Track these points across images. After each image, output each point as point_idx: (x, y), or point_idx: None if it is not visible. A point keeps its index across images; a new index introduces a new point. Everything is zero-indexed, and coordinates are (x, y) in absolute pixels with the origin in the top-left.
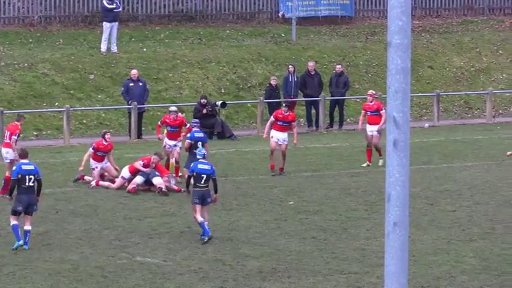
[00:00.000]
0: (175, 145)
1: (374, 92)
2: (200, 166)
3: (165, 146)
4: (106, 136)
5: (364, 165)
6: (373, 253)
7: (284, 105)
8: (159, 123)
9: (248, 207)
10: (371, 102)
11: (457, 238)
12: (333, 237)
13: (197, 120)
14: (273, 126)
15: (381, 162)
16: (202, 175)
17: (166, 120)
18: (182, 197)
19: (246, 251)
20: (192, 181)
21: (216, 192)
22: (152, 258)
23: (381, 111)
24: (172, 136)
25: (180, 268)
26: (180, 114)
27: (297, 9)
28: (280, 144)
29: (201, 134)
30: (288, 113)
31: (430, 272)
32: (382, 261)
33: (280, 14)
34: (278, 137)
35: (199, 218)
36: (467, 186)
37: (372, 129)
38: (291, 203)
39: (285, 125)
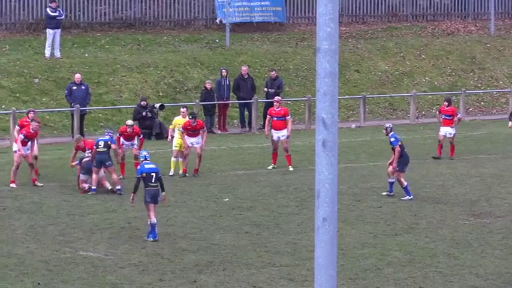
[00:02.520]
0: (132, 144)
1: (280, 98)
2: (147, 166)
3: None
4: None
5: (270, 167)
6: (303, 247)
7: (191, 117)
8: (118, 135)
9: (185, 204)
10: (277, 108)
11: (383, 232)
12: (265, 232)
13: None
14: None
15: (291, 168)
16: (152, 174)
17: (124, 132)
18: (123, 195)
19: (183, 246)
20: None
21: (163, 190)
22: (94, 253)
23: (287, 117)
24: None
25: (120, 262)
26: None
27: (233, 15)
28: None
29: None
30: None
31: (358, 265)
32: (312, 255)
33: (217, 21)
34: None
35: (153, 220)
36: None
37: (278, 135)
38: (226, 199)
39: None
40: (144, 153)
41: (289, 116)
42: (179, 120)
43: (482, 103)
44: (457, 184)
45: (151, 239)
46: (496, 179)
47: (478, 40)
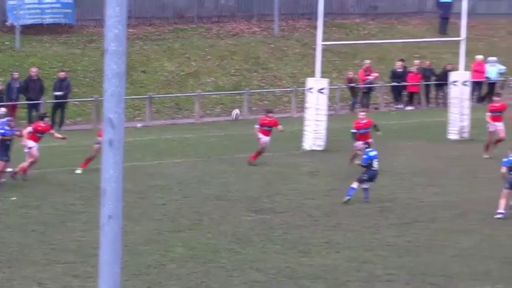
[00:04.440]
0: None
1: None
2: None
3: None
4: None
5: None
6: (88, 244)
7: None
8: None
9: None
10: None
11: (167, 229)
12: (51, 230)
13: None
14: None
15: (79, 171)
16: None
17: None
18: None
19: None
20: None
21: None
22: None
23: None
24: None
25: None
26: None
27: (23, 17)
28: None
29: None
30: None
31: (142, 261)
32: (97, 252)
33: (8, 23)
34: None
35: None
36: (176, 181)
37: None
38: (14, 198)
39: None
40: None
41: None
42: None
43: (265, 102)
44: (239, 181)
45: None
46: (278, 176)
47: (262, 41)
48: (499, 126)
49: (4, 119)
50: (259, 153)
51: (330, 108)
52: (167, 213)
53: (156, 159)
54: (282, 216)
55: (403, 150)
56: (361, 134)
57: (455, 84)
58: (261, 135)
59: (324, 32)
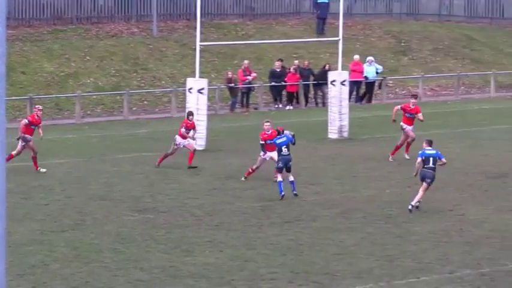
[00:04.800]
0: None
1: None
2: None
3: None
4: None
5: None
6: None
7: None
8: None
9: None
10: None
11: (50, 229)
12: None
13: None
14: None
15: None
16: None
17: None
18: None
19: None
20: None
21: None
22: None
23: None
24: None
25: None
26: None
27: None
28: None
29: None
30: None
31: (26, 261)
32: None
33: None
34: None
35: None
36: (59, 181)
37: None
38: None
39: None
40: None
41: None
42: None
43: (145, 102)
44: (122, 181)
45: None
46: (160, 175)
47: (141, 41)
48: (410, 128)
49: None
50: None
51: (210, 108)
52: (50, 214)
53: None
54: (165, 215)
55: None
56: (269, 145)
57: (333, 84)
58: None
59: (203, 33)
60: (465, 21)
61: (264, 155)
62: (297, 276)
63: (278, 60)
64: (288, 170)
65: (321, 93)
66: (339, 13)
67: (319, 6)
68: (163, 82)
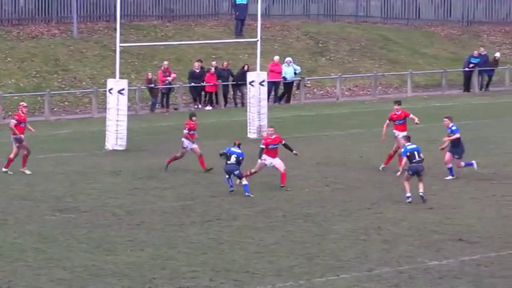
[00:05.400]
0: None
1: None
2: None
3: None
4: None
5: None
6: None
7: None
8: None
9: None
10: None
11: None
12: None
13: None
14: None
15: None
16: None
17: None
18: None
19: None
20: None
21: None
22: None
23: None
24: None
25: None
26: None
27: None
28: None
29: None
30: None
31: None
32: None
33: None
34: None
35: None
36: None
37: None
38: None
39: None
40: None
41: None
42: None
43: (66, 103)
44: (44, 181)
45: None
46: (81, 175)
47: (62, 43)
48: (403, 134)
49: None
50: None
51: (130, 108)
52: None
53: None
54: (87, 215)
55: (202, 150)
56: (270, 150)
57: (252, 85)
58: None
59: (122, 34)
60: (382, 22)
61: (264, 160)
62: (217, 275)
63: (197, 61)
64: (238, 176)
65: (240, 94)
66: (257, 14)
67: (238, 8)
68: (83, 83)
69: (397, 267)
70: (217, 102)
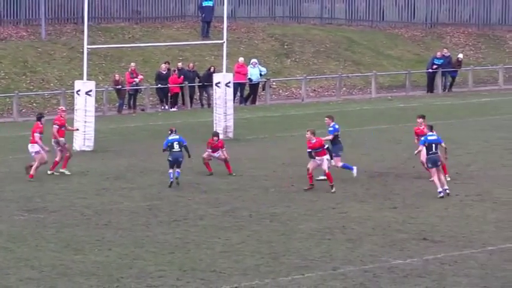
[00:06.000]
0: None
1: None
2: None
3: None
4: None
5: None
6: None
7: None
8: None
9: None
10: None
11: None
12: None
13: None
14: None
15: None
16: None
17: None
18: None
19: None
20: None
21: None
22: None
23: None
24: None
25: None
26: None
27: None
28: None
29: None
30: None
31: None
32: None
33: None
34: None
35: None
36: None
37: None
38: None
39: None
40: None
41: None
42: None
43: (34, 104)
44: (13, 182)
45: None
46: (50, 176)
47: (30, 45)
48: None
49: None
50: None
51: (97, 109)
52: None
53: None
54: (55, 215)
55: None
56: (318, 152)
57: (218, 86)
58: None
59: (90, 36)
60: (346, 24)
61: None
62: (184, 274)
63: (164, 63)
64: (178, 166)
65: (206, 95)
66: (223, 16)
67: (204, 10)
68: (52, 84)
69: (362, 266)
70: (183, 104)
